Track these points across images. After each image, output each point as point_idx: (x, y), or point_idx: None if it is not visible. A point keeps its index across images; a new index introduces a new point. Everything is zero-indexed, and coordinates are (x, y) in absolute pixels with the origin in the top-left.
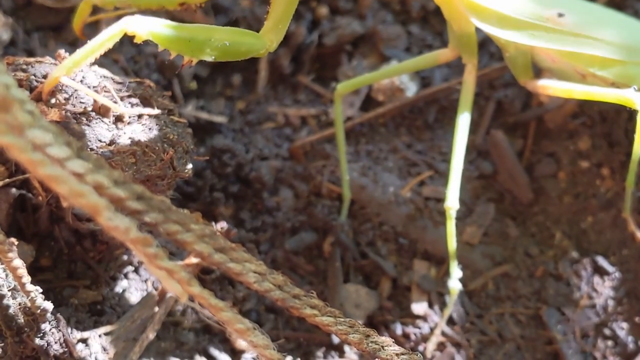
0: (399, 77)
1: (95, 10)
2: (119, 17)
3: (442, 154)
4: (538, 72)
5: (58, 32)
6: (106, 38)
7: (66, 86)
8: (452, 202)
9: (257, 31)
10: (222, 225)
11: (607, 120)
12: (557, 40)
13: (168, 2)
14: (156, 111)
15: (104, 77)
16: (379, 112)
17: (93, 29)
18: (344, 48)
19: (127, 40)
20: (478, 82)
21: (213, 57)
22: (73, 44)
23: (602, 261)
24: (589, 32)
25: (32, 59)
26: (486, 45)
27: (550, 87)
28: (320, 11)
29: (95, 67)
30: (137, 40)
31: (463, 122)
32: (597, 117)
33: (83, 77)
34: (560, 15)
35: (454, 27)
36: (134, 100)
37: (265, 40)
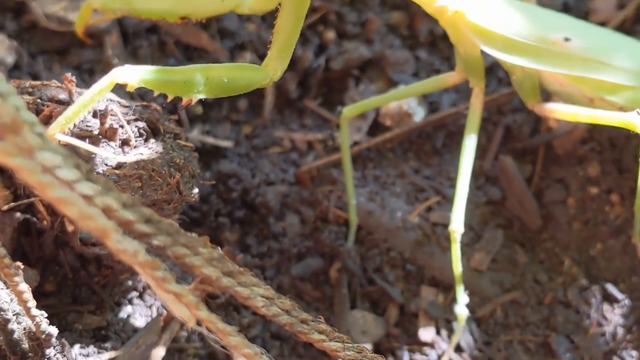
0: (407, 101)
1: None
2: (119, 19)
3: (450, 180)
4: (547, 96)
5: (63, 55)
6: (97, 91)
7: None
8: (457, 225)
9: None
10: (227, 250)
11: (617, 147)
12: (564, 64)
13: (169, 15)
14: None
15: (111, 100)
16: (387, 137)
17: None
18: (352, 72)
19: (131, 61)
20: (486, 107)
21: (214, 95)
22: (78, 67)
23: (611, 288)
24: (596, 56)
25: (38, 82)
26: (494, 71)
27: (556, 111)
28: (327, 35)
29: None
30: (129, 89)
31: (469, 145)
32: (607, 143)
33: None
34: (567, 39)
35: (460, 51)
36: (141, 124)
37: (268, 71)
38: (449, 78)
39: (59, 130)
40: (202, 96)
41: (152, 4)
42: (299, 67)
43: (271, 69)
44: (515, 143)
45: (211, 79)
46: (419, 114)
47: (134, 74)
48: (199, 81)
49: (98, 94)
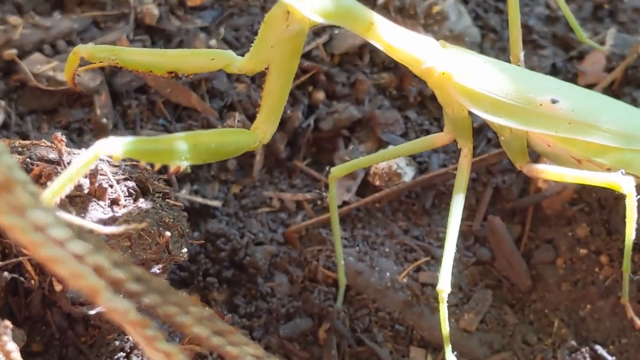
0: (396, 162)
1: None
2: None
3: (440, 240)
4: (536, 156)
5: (52, 114)
6: (81, 165)
7: (62, 168)
8: (444, 285)
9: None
10: (215, 310)
11: (606, 208)
12: (551, 126)
13: (157, 69)
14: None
15: (100, 159)
16: (376, 197)
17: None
18: (341, 133)
19: (121, 126)
20: (475, 167)
21: (202, 161)
22: (67, 127)
23: (601, 350)
24: (583, 118)
25: (27, 142)
26: (483, 131)
27: (544, 171)
28: (316, 96)
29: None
30: (114, 161)
31: (457, 205)
32: (596, 204)
33: None
34: (554, 101)
35: (448, 112)
36: (130, 184)
37: (257, 134)
38: (438, 139)
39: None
40: (190, 163)
41: (140, 56)
42: (288, 127)
43: (260, 132)
44: (505, 204)
45: (198, 145)
46: (409, 174)
47: (118, 146)
48: (185, 149)
49: (83, 166)
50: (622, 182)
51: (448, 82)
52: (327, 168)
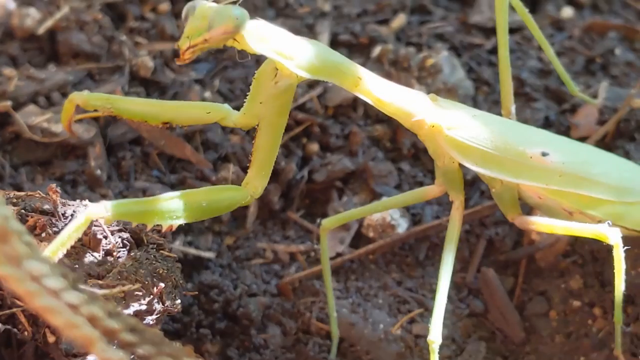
0: (390, 213)
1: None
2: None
3: (433, 292)
4: (529, 208)
5: (46, 166)
6: (73, 229)
7: (57, 220)
8: (435, 335)
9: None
10: None
11: (599, 260)
12: (542, 179)
13: (152, 119)
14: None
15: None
16: (370, 249)
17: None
18: (335, 184)
19: (115, 177)
20: (469, 219)
21: (195, 219)
22: (61, 179)
23: None
24: (574, 171)
25: (22, 193)
26: (477, 183)
27: (534, 223)
28: (310, 147)
29: (86, 202)
30: (106, 224)
31: (448, 256)
32: (589, 257)
33: (74, 211)
34: (545, 154)
35: (439, 164)
36: (124, 235)
37: (248, 189)
38: (429, 191)
39: None
40: (182, 222)
41: (135, 105)
42: (282, 179)
43: (252, 187)
44: (498, 255)
45: (190, 204)
46: (402, 226)
47: (109, 209)
48: (177, 208)
49: (75, 231)
50: (608, 233)
51: (438, 134)
52: (319, 220)
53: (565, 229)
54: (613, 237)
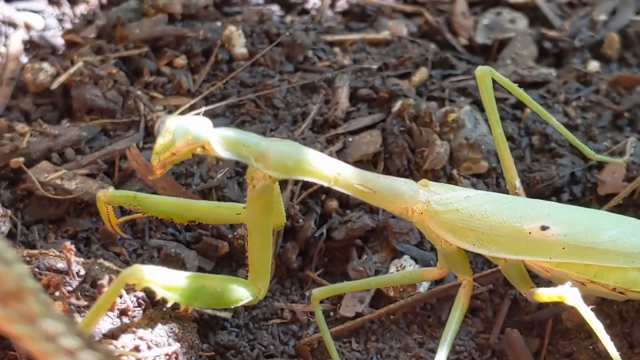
0: (410, 270)
1: None
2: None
3: (456, 353)
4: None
5: (58, 224)
6: (110, 293)
7: (71, 279)
8: None
9: None
10: None
11: (627, 320)
12: (544, 253)
13: (178, 217)
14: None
15: (109, 269)
16: (390, 309)
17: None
18: (354, 242)
19: (130, 234)
20: (492, 279)
21: (206, 306)
22: (74, 237)
23: None
24: (579, 241)
25: (35, 251)
26: None
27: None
28: (329, 204)
29: (101, 260)
30: (137, 288)
31: (449, 335)
32: (617, 317)
33: (88, 270)
34: (544, 227)
35: (437, 247)
36: (139, 294)
37: (255, 286)
38: (428, 273)
39: None
40: (196, 306)
41: (160, 206)
42: (300, 237)
43: (255, 287)
44: (523, 316)
45: (206, 288)
46: (424, 285)
47: (144, 274)
48: (197, 289)
49: (112, 294)
50: (565, 295)
51: (430, 220)
52: (300, 297)
53: (533, 294)
54: (571, 298)
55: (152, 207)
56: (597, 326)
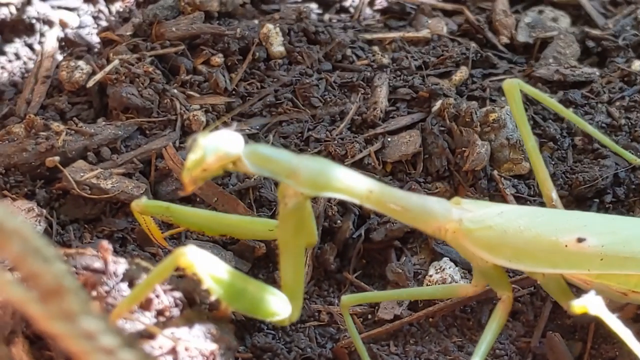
0: (450, 274)
1: None
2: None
3: (496, 357)
4: None
5: (94, 224)
6: (158, 273)
7: (108, 278)
8: None
9: None
10: None
11: None
12: (582, 265)
13: (209, 231)
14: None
15: (147, 269)
16: (429, 311)
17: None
18: (393, 244)
19: (164, 229)
20: (533, 281)
21: (244, 309)
22: (110, 236)
23: None
24: (617, 252)
25: (72, 250)
26: None
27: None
28: None
29: (138, 260)
30: (187, 272)
31: (482, 347)
32: None
33: (125, 270)
34: (580, 239)
35: (473, 264)
36: (177, 294)
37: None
38: (461, 289)
39: (123, 314)
40: (234, 309)
41: (193, 218)
42: (338, 238)
43: (292, 309)
44: (565, 319)
45: (248, 292)
46: None
47: (198, 258)
48: (238, 290)
49: (161, 274)
50: (588, 305)
51: (464, 238)
52: (337, 299)
53: (570, 306)
54: (593, 307)
55: (185, 219)
56: (624, 333)
